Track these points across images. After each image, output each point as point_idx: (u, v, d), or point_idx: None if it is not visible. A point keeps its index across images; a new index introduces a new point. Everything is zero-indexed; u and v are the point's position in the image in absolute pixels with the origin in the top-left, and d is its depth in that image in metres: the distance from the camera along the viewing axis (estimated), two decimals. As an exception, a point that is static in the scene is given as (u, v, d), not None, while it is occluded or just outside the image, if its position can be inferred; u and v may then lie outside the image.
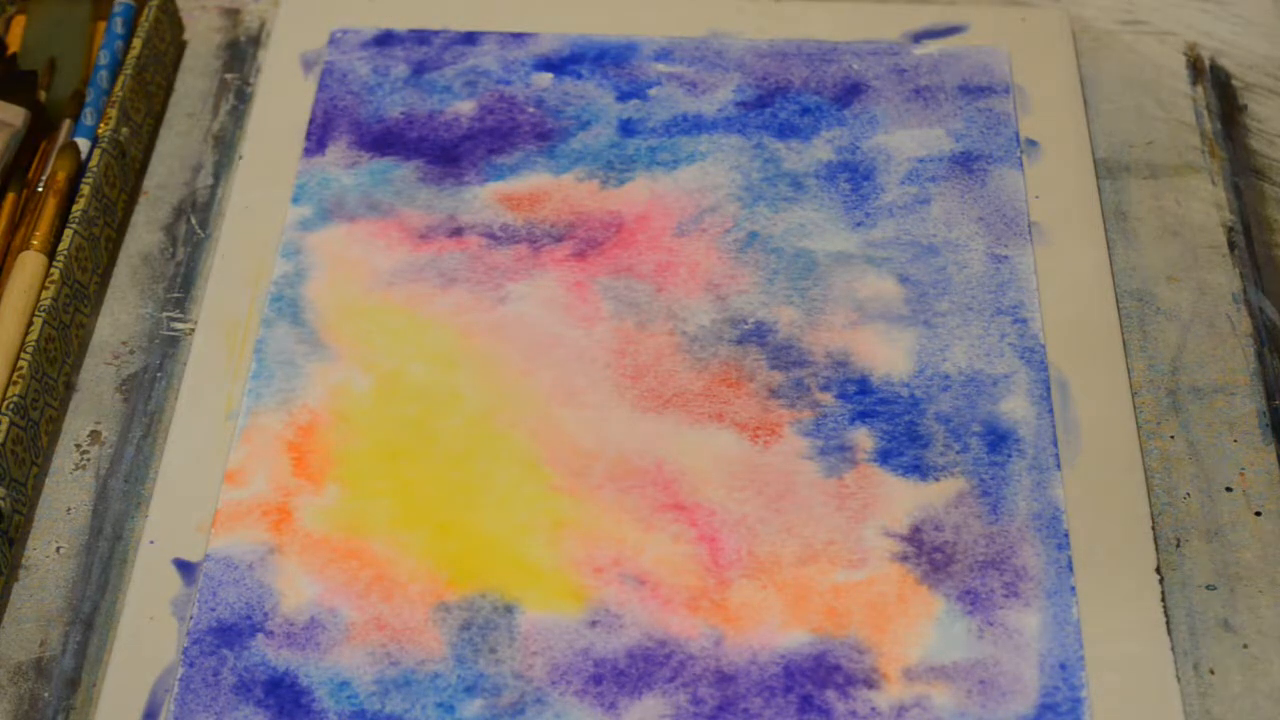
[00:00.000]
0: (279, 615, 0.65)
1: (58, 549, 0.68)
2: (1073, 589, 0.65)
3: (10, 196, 0.77)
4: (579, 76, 0.82)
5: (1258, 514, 0.68)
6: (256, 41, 0.85)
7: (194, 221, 0.79)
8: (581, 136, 0.80)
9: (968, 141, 0.79)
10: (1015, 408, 0.70)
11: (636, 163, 0.79)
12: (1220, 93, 0.82)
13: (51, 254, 0.74)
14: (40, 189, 0.77)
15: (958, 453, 0.69)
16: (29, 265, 0.73)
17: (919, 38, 0.84)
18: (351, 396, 0.71)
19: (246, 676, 0.64)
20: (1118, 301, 0.74)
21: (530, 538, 0.67)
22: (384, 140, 0.80)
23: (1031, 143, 0.79)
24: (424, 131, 0.80)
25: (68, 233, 0.74)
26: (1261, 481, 0.69)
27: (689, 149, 0.79)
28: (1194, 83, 0.82)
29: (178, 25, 0.85)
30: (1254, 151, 0.80)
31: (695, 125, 0.80)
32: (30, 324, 0.71)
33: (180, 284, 0.76)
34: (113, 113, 0.78)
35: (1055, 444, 0.69)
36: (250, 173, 0.79)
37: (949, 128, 0.80)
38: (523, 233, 0.77)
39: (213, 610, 0.65)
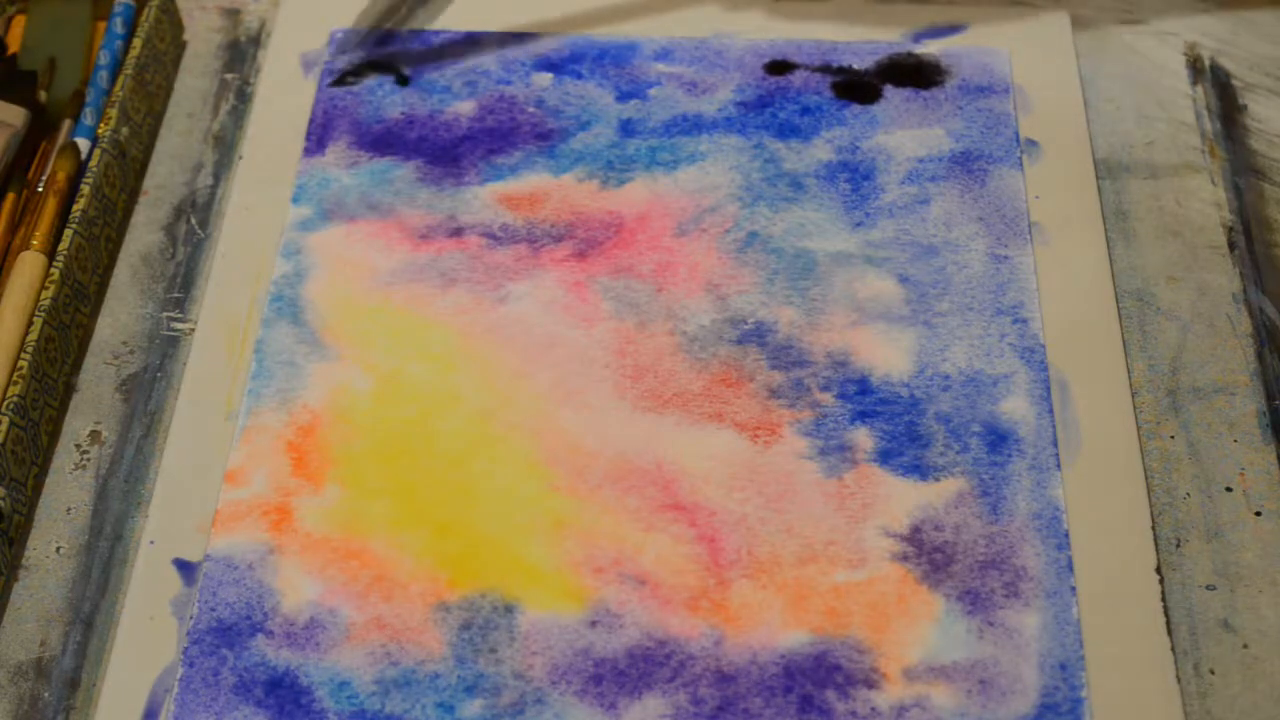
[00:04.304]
0: (279, 615, 0.65)
1: (58, 549, 0.68)
2: (1073, 589, 0.65)
3: (10, 196, 0.77)
4: (579, 76, 0.82)
5: (1258, 514, 0.68)
6: (256, 41, 0.86)
7: (194, 221, 0.79)
8: (581, 137, 0.80)
9: (968, 141, 0.79)
10: (1015, 408, 0.70)
11: (636, 163, 0.79)
12: (1220, 93, 0.82)
13: (51, 254, 0.74)
14: (40, 189, 0.77)
15: (958, 453, 0.69)
16: (29, 265, 0.73)
17: (919, 38, 0.84)
18: (351, 396, 0.71)
19: (246, 676, 0.64)
20: (1118, 301, 0.74)
21: (530, 538, 0.67)
22: (384, 140, 0.80)
23: (1031, 143, 0.79)
24: (424, 132, 0.80)
25: (68, 233, 0.74)
26: (1261, 481, 0.69)
27: (689, 149, 0.79)
28: (1194, 83, 0.82)
29: (178, 25, 0.85)
30: (1254, 151, 0.80)
31: (695, 125, 0.80)
32: (30, 324, 0.71)
33: (180, 284, 0.76)
34: (113, 113, 0.78)
35: (1055, 444, 0.69)
36: (250, 173, 0.79)
37: (949, 128, 0.80)
38: (523, 233, 0.77)
39: (213, 610, 0.65)
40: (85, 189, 0.75)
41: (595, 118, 0.81)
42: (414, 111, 0.81)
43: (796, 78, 0.82)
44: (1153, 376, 0.72)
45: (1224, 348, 0.73)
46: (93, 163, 0.76)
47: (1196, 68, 0.83)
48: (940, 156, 0.79)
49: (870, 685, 0.63)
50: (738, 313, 0.74)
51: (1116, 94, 0.82)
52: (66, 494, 0.70)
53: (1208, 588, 0.66)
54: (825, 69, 0.82)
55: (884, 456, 0.69)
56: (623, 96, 0.82)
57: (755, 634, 0.64)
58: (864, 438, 0.70)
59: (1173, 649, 0.64)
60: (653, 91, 0.82)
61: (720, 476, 0.69)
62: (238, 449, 0.70)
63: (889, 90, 0.81)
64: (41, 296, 0.72)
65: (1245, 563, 0.66)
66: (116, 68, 0.81)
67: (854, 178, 0.78)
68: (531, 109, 0.81)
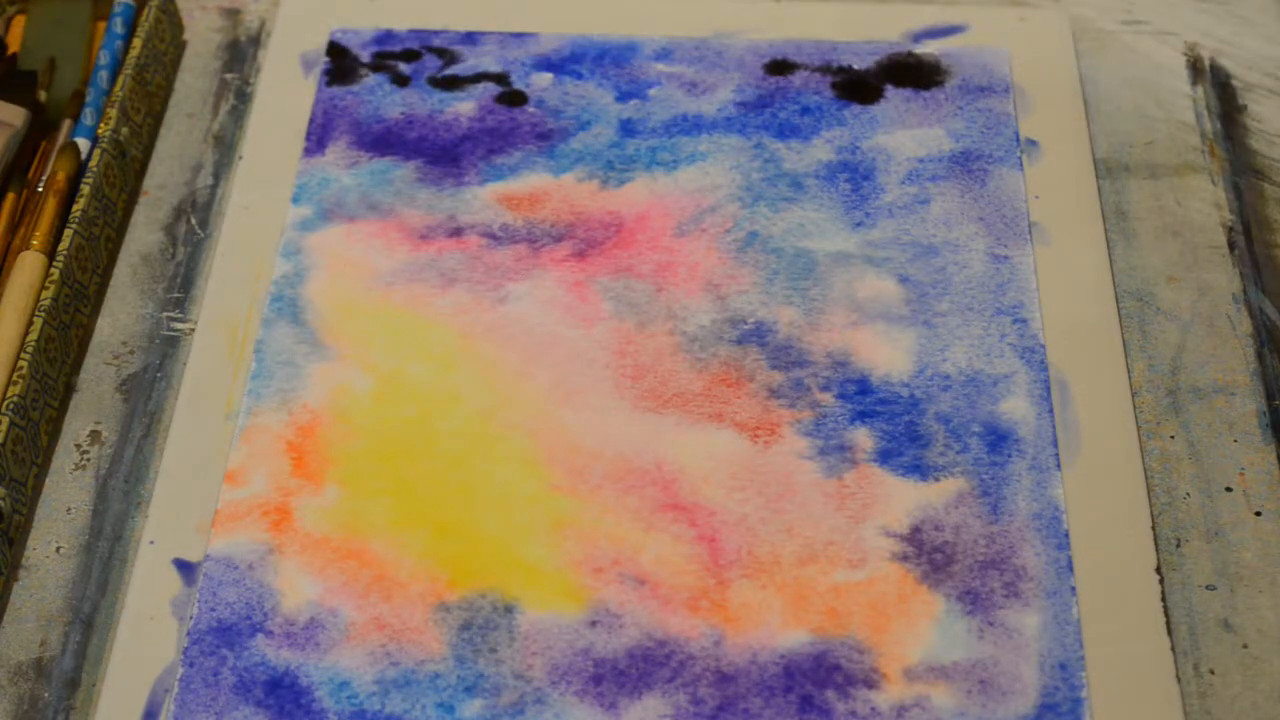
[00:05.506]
0: (279, 615, 0.65)
1: (58, 549, 0.68)
2: (1073, 589, 0.65)
3: (10, 196, 0.77)
4: (579, 76, 0.82)
5: (1258, 514, 0.68)
6: (256, 41, 0.85)
7: (194, 221, 0.79)
8: (581, 137, 0.80)
9: (968, 141, 0.79)
10: (1015, 408, 0.70)
11: (636, 163, 0.79)
12: (1220, 93, 0.82)
13: (51, 254, 0.74)
14: (40, 189, 0.77)
15: (958, 453, 0.69)
16: (29, 265, 0.73)
17: (919, 38, 0.84)
18: (351, 396, 0.71)
19: (246, 676, 0.64)
20: (1118, 301, 0.74)
21: (530, 538, 0.67)
22: (384, 140, 0.80)
23: (1031, 143, 0.79)
24: (424, 132, 0.80)
25: (68, 233, 0.74)
26: (1261, 481, 0.69)
27: (689, 149, 0.79)
28: (1194, 83, 0.82)
29: (178, 25, 0.85)
30: (1254, 151, 0.80)
31: (695, 125, 0.80)
32: (30, 324, 0.71)
33: (180, 284, 0.76)
34: (113, 113, 0.78)
35: (1055, 444, 0.69)
36: (250, 173, 0.79)
37: (949, 128, 0.80)
38: (522, 233, 0.77)
39: (213, 610, 0.65)
40: (85, 189, 0.75)
41: (595, 118, 0.81)
42: (414, 111, 0.81)
43: (796, 78, 0.82)
44: (1153, 376, 0.72)
45: (1224, 348, 0.73)
46: (93, 163, 0.76)
47: (1196, 68, 0.83)
48: (940, 156, 0.79)
49: (870, 685, 0.63)
50: (738, 313, 0.74)
51: (1116, 94, 0.82)
52: (66, 494, 0.70)
53: (1208, 588, 0.66)
54: (825, 69, 0.82)
55: (884, 456, 0.69)
56: (623, 96, 0.82)
57: (755, 634, 0.64)
58: (864, 438, 0.70)
59: (1173, 649, 0.64)
60: (653, 91, 0.82)
61: (720, 476, 0.69)
62: (238, 449, 0.70)
63: (889, 90, 0.81)
64: (41, 296, 0.72)
65: (1245, 563, 0.66)
66: (116, 68, 0.81)
67: (854, 178, 0.78)
68: (531, 109, 0.81)
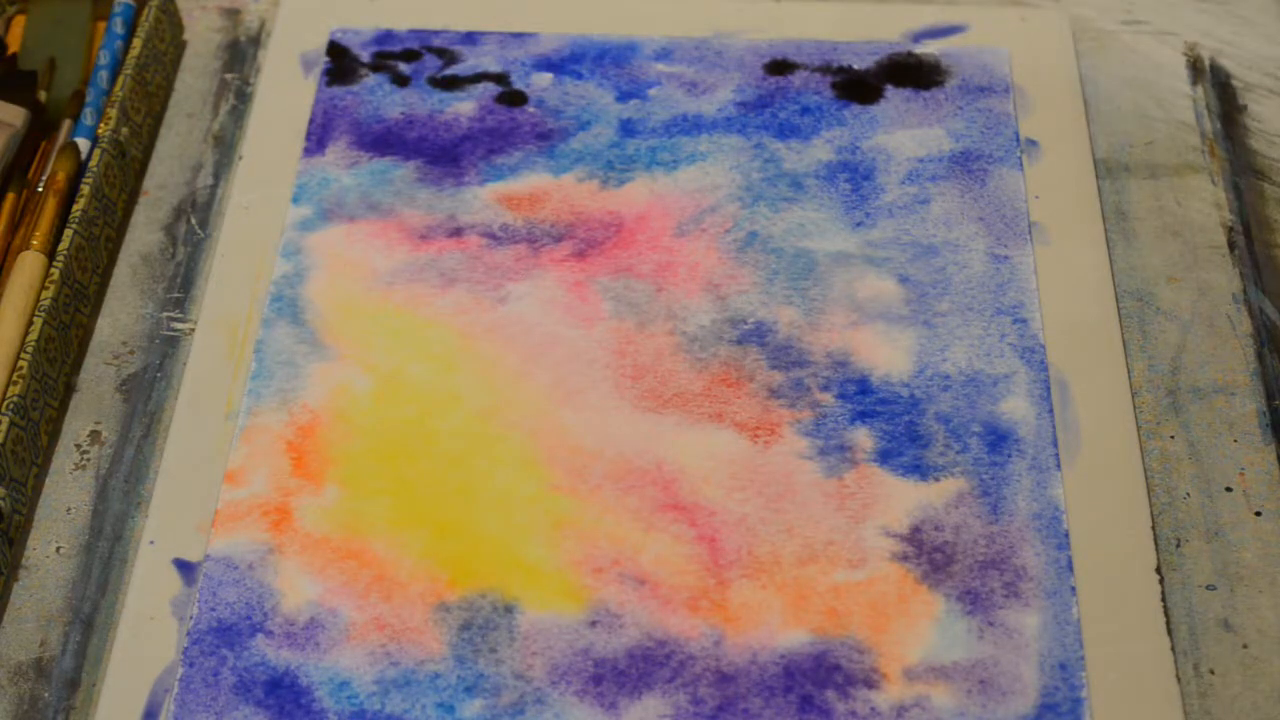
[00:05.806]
0: (279, 615, 0.65)
1: (58, 549, 0.68)
2: (1073, 589, 0.65)
3: (10, 196, 0.77)
4: (579, 76, 0.82)
5: (1258, 514, 0.68)
6: (256, 41, 0.85)
7: (194, 221, 0.79)
8: (581, 137, 0.80)
9: (968, 141, 0.79)
10: (1015, 408, 0.70)
11: (636, 163, 0.79)
12: (1220, 93, 0.82)
13: (51, 254, 0.74)
14: (40, 189, 0.77)
15: (958, 453, 0.69)
16: (29, 265, 0.73)
17: (919, 38, 0.84)
18: (351, 396, 0.71)
19: (246, 676, 0.64)
20: (1118, 301, 0.74)
21: (530, 538, 0.67)
22: (384, 140, 0.80)
23: (1031, 143, 0.79)
24: (424, 132, 0.80)
25: (68, 233, 0.74)
26: (1261, 481, 0.69)
27: (689, 149, 0.79)
28: (1194, 83, 0.82)
29: (178, 25, 0.85)
30: (1254, 151, 0.80)
31: (695, 125, 0.80)
32: (30, 324, 0.71)
33: (180, 284, 0.76)
34: (113, 113, 0.78)
35: (1055, 444, 0.69)
36: (250, 173, 0.79)
37: (949, 128, 0.80)
38: (522, 233, 0.77)
39: (213, 610, 0.65)
40: (85, 189, 0.75)
41: (595, 118, 0.81)
42: (414, 111, 0.81)
43: (796, 78, 0.82)
44: (1153, 376, 0.72)
45: (1224, 348, 0.73)
46: (93, 163, 0.76)
47: (1196, 68, 0.83)
48: (940, 156, 0.79)
49: (870, 685, 0.63)
50: (738, 313, 0.74)
51: (1116, 94, 0.82)
52: (66, 494, 0.70)
53: (1208, 588, 0.66)
54: (825, 69, 0.82)
55: (884, 456, 0.69)
56: (623, 96, 0.82)
57: (755, 634, 0.64)
58: (864, 438, 0.70)
59: (1173, 649, 0.64)
60: (653, 91, 0.82)
61: (720, 476, 0.69)
62: (238, 449, 0.70)
63: (889, 90, 0.81)
64: (41, 296, 0.72)
65: (1245, 563, 0.66)
66: (116, 68, 0.81)
67: (854, 178, 0.78)
68: (531, 109, 0.81)
